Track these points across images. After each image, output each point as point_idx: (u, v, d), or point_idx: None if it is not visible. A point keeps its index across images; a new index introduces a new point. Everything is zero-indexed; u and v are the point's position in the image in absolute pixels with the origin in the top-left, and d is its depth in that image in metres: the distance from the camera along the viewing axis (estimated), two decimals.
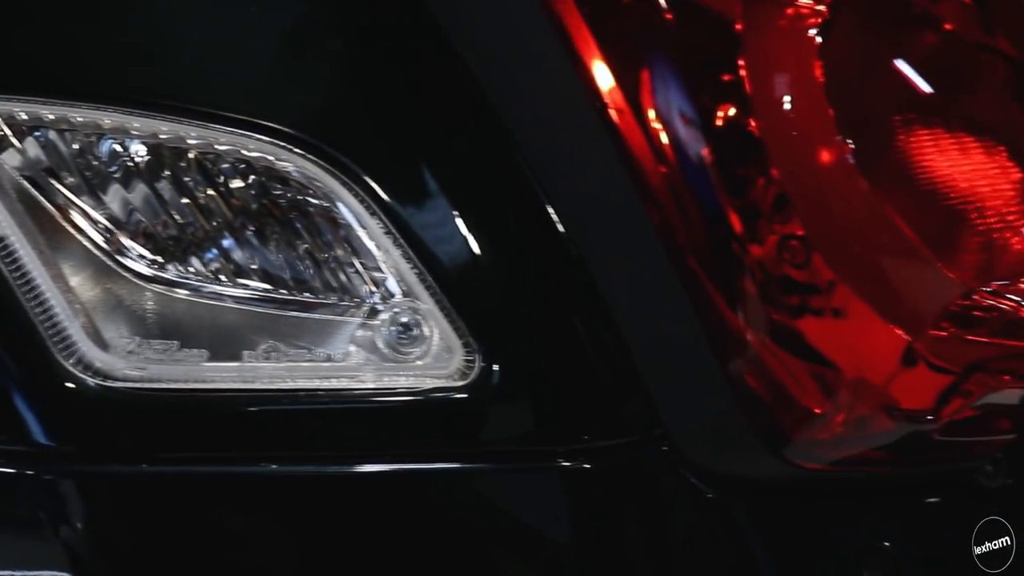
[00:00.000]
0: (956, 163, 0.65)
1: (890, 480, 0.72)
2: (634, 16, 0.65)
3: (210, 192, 0.64)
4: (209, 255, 0.65)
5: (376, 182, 0.64)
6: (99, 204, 0.63)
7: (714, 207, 0.63)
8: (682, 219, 0.64)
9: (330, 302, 0.64)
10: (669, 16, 0.64)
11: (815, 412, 0.64)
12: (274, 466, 0.63)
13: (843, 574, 0.68)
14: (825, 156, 0.62)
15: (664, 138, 0.63)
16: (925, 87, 0.65)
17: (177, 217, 0.64)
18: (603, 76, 0.64)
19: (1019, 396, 0.67)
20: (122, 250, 0.63)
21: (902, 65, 0.66)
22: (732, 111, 0.63)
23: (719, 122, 0.63)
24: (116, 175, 0.64)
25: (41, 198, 0.63)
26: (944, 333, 0.63)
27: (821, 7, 0.64)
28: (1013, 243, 0.65)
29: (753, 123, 0.63)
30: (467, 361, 0.63)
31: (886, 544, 0.69)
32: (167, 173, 0.64)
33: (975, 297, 0.63)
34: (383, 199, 0.64)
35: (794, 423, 0.64)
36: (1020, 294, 0.64)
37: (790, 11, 0.64)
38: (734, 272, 0.64)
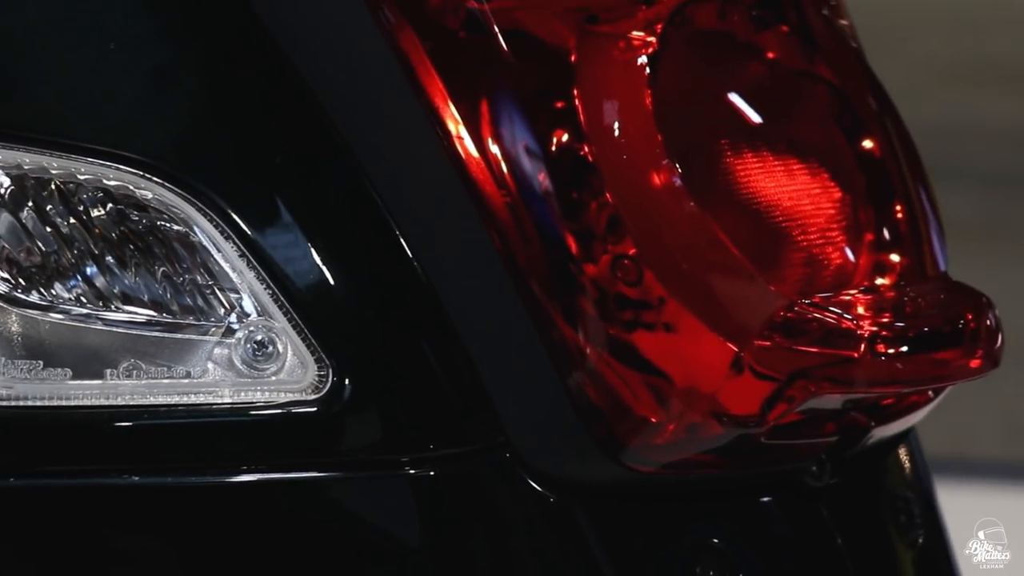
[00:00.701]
0: (781, 184, 0.68)
1: (721, 482, 0.72)
2: (474, 50, 0.67)
3: (72, 220, 0.66)
4: (72, 281, 0.67)
5: (230, 208, 0.66)
6: None
7: (551, 229, 0.66)
8: (521, 241, 0.66)
9: (188, 322, 0.66)
10: (507, 49, 0.66)
11: (649, 420, 0.66)
12: (136, 478, 0.66)
13: (677, 571, 0.70)
14: (655, 180, 0.65)
15: (503, 165, 0.66)
16: (750, 113, 0.69)
17: (40, 245, 0.66)
18: (445, 107, 0.66)
19: (840, 401, 0.68)
20: None
21: (728, 93, 0.69)
22: (566, 138, 0.66)
23: (554, 149, 0.66)
24: None
25: None
26: (768, 343, 0.65)
27: (651, 39, 0.67)
28: (833, 258, 0.69)
29: (587, 149, 0.65)
30: (320, 375, 0.65)
31: (716, 542, 0.70)
32: (30, 203, 0.66)
33: (797, 309, 0.65)
34: (237, 224, 0.66)
35: (629, 430, 0.66)
36: (840, 306, 0.66)
37: (621, 43, 0.67)
38: (571, 290, 0.66)
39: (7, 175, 0.67)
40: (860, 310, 0.67)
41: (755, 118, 0.71)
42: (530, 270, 0.66)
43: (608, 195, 0.66)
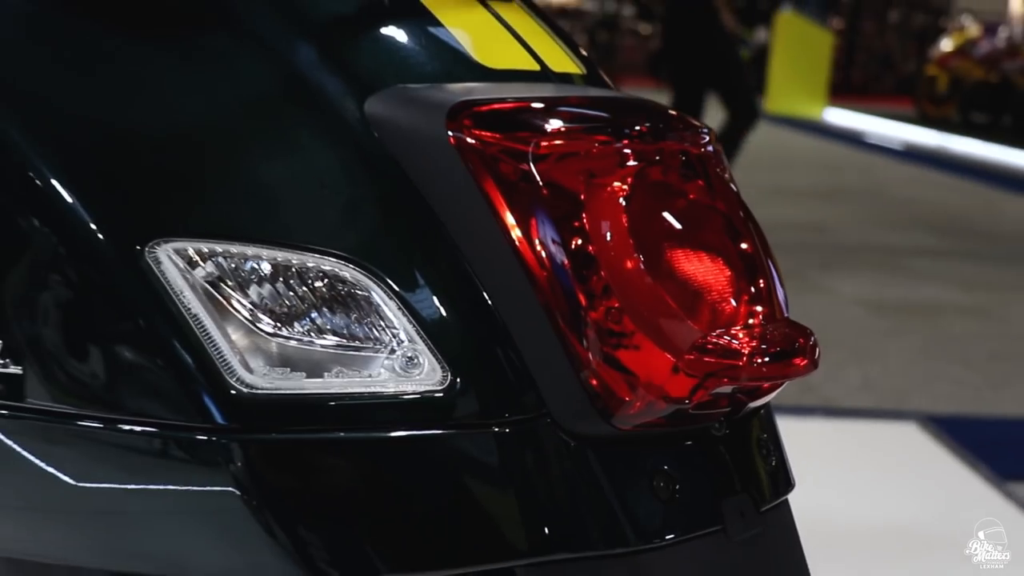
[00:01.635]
0: (697, 267, 0.87)
1: (668, 434, 0.88)
2: (527, 191, 0.84)
3: (304, 288, 0.82)
4: (304, 322, 0.82)
5: (392, 281, 0.83)
6: (245, 295, 0.81)
7: (570, 290, 0.83)
8: (552, 295, 0.83)
9: (369, 347, 0.83)
10: (545, 191, 0.83)
11: (625, 399, 0.84)
12: (342, 434, 0.82)
13: (643, 484, 0.86)
14: (628, 264, 0.83)
15: (543, 254, 0.83)
16: (679, 226, 0.88)
17: (287, 301, 0.82)
18: (509, 222, 0.84)
19: (731, 389, 0.87)
20: (257, 319, 0.81)
21: (667, 214, 0.87)
22: (579, 240, 0.83)
23: (572, 246, 0.83)
24: (253, 280, 0.82)
25: (216, 292, 0.81)
26: (692, 357, 0.84)
27: (625, 186, 0.85)
28: (726, 309, 0.87)
29: (590, 247, 0.83)
30: (443, 376, 0.83)
31: (665, 467, 0.86)
32: (280, 278, 0.82)
33: (707, 338, 0.84)
34: (395, 290, 0.83)
35: (615, 405, 0.84)
36: (730, 336, 0.85)
37: (608, 188, 0.84)
38: (581, 324, 0.83)
39: (270, 263, 0.82)
40: (741, 338, 0.85)
41: (682, 229, 0.87)
42: (558, 312, 0.83)
43: (603, 272, 0.83)
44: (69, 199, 0.82)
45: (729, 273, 0.88)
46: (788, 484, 0.97)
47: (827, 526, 2.28)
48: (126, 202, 0.85)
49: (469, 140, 0.83)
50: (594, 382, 0.84)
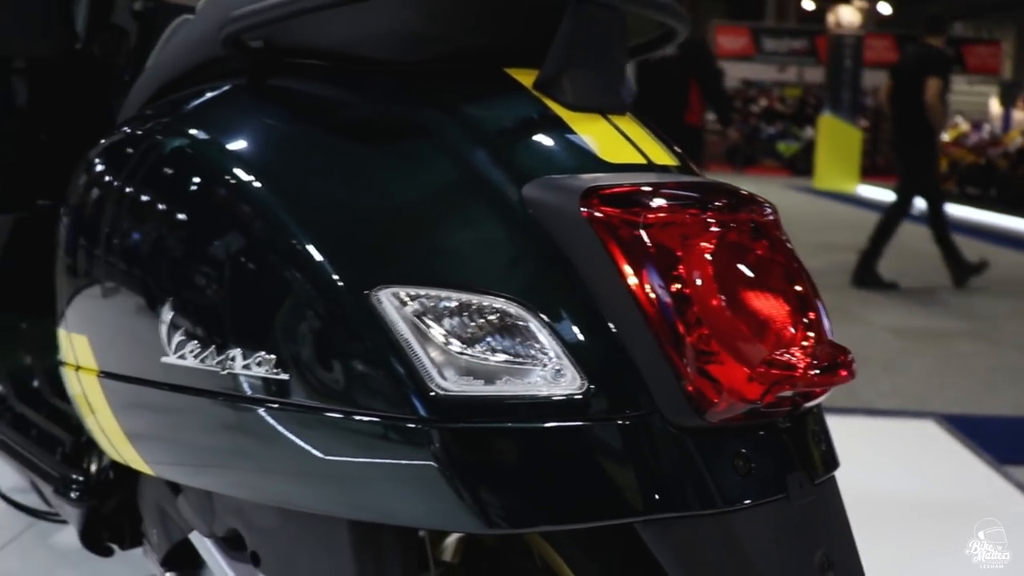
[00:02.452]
0: (764, 303, 0.85)
1: (745, 425, 0.85)
2: (640, 249, 0.83)
3: (481, 320, 0.83)
4: (482, 344, 0.83)
5: (544, 314, 0.83)
6: (440, 325, 0.82)
7: (672, 321, 0.81)
8: (660, 325, 0.82)
9: (528, 362, 0.83)
10: (652, 249, 0.83)
11: (713, 401, 0.82)
12: (509, 424, 0.82)
13: (726, 461, 0.84)
14: (713, 301, 0.82)
15: (652, 295, 0.82)
16: (750, 274, 0.86)
17: (469, 329, 0.83)
18: (628, 272, 0.83)
19: (791, 393, 0.84)
20: (449, 343, 0.82)
21: (741, 266, 0.85)
22: (678, 285, 0.82)
23: (673, 289, 0.82)
24: (446, 314, 0.83)
25: (419, 323, 0.83)
26: (762, 369, 0.82)
27: (710, 245, 0.83)
28: (786, 334, 0.84)
29: (686, 290, 0.82)
30: (582, 383, 0.82)
31: (744, 450, 0.84)
32: (465, 313, 0.83)
33: (774, 355, 0.83)
34: (547, 320, 0.83)
35: (706, 405, 0.82)
36: (790, 354, 0.83)
37: (698, 247, 0.83)
38: (680, 346, 0.82)
39: (457, 302, 0.83)
40: (798, 356, 0.83)
41: (752, 276, 0.85)
42: (663, 336, 0.82)
43: (695, 308, 0.82)
44: (319, 258, 0.86)
45: (787, 308, 0.86)
46: (834, 463, 0.95)
47: (864, 499, 2.22)
48: (358, 259, 0.87)
49: (597, 214, 0.83)
50: (690, 388, 0.82)
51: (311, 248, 0.88)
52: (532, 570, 0.97)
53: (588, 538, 0.89)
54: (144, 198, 1.07)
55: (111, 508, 1.38)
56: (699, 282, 0.82)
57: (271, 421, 0.91)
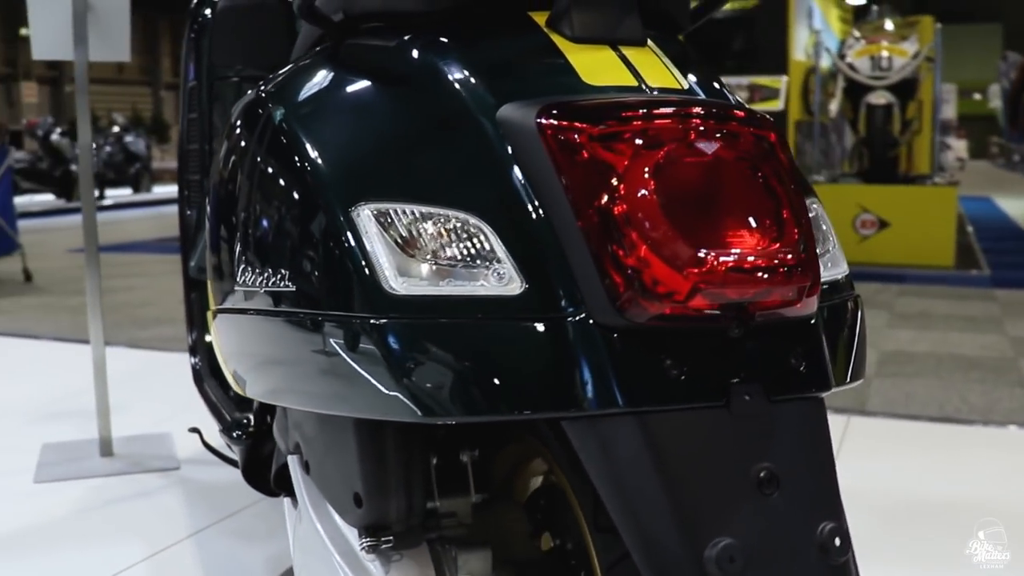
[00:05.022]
0: (710, 213, 0.83)
1: (682, 329, 0.84)
2: (581, 158, 0.83)
3: (442, 229, 0.87)
4: (440, 250, 0.87)
5: (497, 225, 0.87)
6: (403, 235, 0.87)
7: (603, 224, 0.82)
8: (591, 228, 0.82)
9: (478, 267, 0.86)
10: (590, 156, 0.83)
11: (637, 301, 0.82)
12: (456, 320, 0.85)
13: (656, 363, 0.83)
14: (646, 207, 0.81)
15: (587, 199, 0.82)
16: (701, 184, 0.84)
17: (430, 238, 0.87)
18: (568, 181, 0.84)
19: (738, 300, 0.81)
20: (408, 249, 0.87)
21: (691, 176, 0.84)
22: (615, 192, 0.82)
23: (607, 196, 0.82)
24: (411, 224, 0.88)
25: (386, 233, 0.88)
26: (685, 271, 0.80)
27: (659, 156, 0.83)
28: (727, 240, 0.82)
29: (622, 196, 0.82)
30: (522, 286, 0.85)
31: (678, 354, 0.83)
32: (428, 223, 0.87)
33: (705, 259, 0.80)
34: (498, 230, 0.87)
35: (629, 305, 0.82)
36: (722, 260, 0.80)
37: (645, 157, 0.83)
38: (607, 247, 0.82)
39: (421, 215, 0.88)
40: (726, 261, 0.81)
41: (705, 188, 0.83)
42: (593, 238, 0.83)
43: (628, 214, 0.81)
44: (321, 183, 0.95)
45: (742, 220, 0.84)
46: (822, 385, 0.90)
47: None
48: (350, 182, 0.94)
49: (548, 126, 0.85)
50: (620, 291, 0.82)
51: (316, 177, 0.96)
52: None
53: None
54: (228, 152, 1.18)
55: (269, 449, 1.46)
56: (636, 189, 0.82)
57: (284, 328, 0.99)
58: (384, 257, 0.87)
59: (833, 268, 1.03)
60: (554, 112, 0.86)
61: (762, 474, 0.83)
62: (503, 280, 0.85)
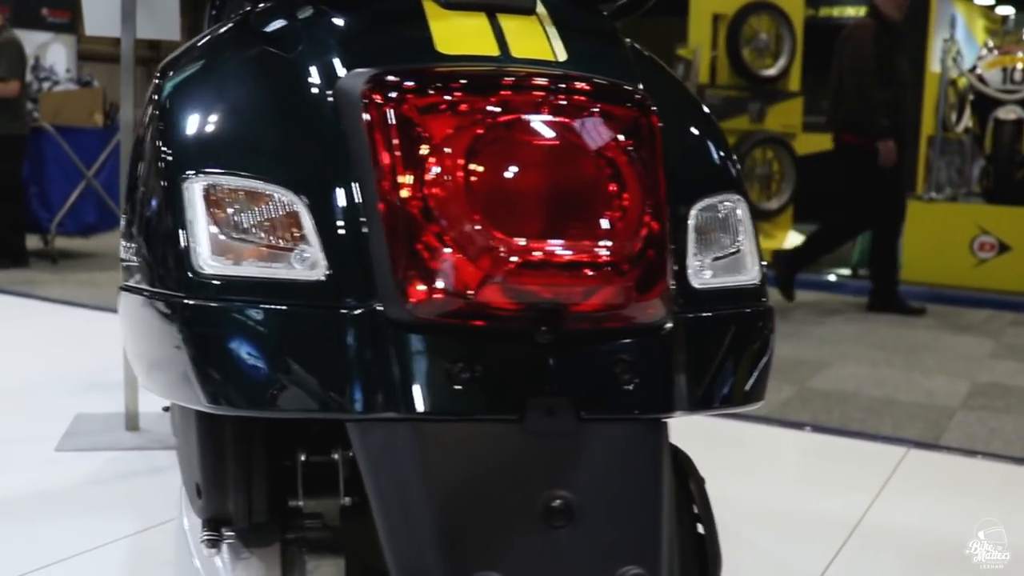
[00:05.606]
0: (517, 200, 0.78)
1: (475, 329, 0.80)
2: (394, 134, 0.80)
3: (261, 207, 0.86)
4: (249, 228, 0.87)
5: (314, 201, 0.86)
6: (222, 211, 0.86)
7: (399, 211, 0.80)
8: (387, 214, 0.80)
9: (285, 247, 0.86)
10: (405, 135, 0.80)
11: (421, 292, 0.79)
12: (259, 303, 0.84)
13: (440, 365, 0.79)
14: (445, 192, 0.78)
15: (390, 182, 0.80)
16: (515, 167, 0.79)
17: (247, 215, 0.86)
18: (382, 160, 0.81)
19: (541, 301, 0.75)
20: (221, 226, 0.87)
21: (506, 157, 0.80)
22: (420, 173, 0.80)
23: (411, 177, 0.80)
24: (230, 200, 0.86)
25: (208, 206, 0.86)
26: (473, 264, 0.77)
27: (476, 134, 0.79)
28: (531, 232, 0.77)
29: (427, 177, 0.80)
30: (327, 274, 0.84)
31: (468, 358, 0.79)
32: (246, 200, 0.86)
33: (495, 251, 0.76)
34: (313, 210, 0.85)
35: (413, 296, 0.80)
36: (512, 253, 0.76)
37: (459, 136, 0.79)
38: (399, 236, 0.79)
39: (242, 189, 0.86)
40: (514, 256, 0.77)
41: (519, 171, 0.80)
42: (389, 226, 0.80)
43: (429, 198, 0.78)
44: (168, 155, 0.94)
45: (566, 206, 0.78)
46: (641, 406, 0.81)
47: None
48: (188, 152, 0.93)
49: (370, 96, 0.81)
50: (401, 279, 0.78)
51: (166, 148, 0.95)
52: None
53: None
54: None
55: None
56: (445, 169, 0.78)
57: (133, 306, 0.98)
58: (203, 233, 0.85)
59: (730, 274, 0.93)
60: (381, 82, 0.81)
61: (554, 503, 0.75)
62: (307, 264, 0.83)
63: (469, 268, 0.75)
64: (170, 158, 0.92)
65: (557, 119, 0.79)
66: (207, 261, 0.84)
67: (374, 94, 0.80)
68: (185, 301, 0.84)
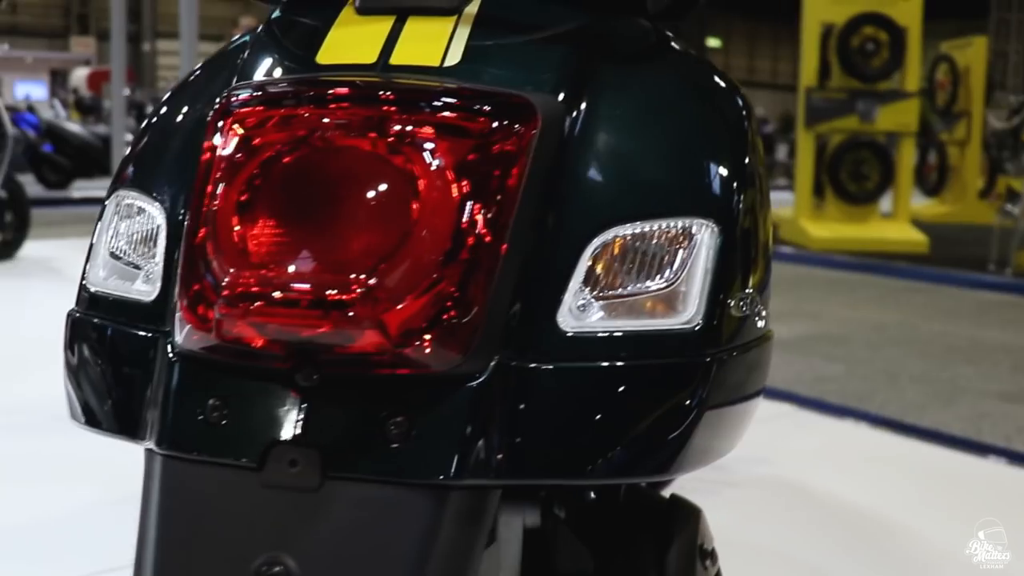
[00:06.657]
0: (278, 230, 0.70)
1: (232, 365, 0.73)
2: (214, 152, 0.74)
3: (139, 221, 0.85)
4: (126, 245, 0.86)
5: (170, 219, 0.83)
6: (116, 227, 0.86)
7: (190, 235, 0.73)
8: (184, 238, 0.75)
9: (137, 264, 0.84)
10: (213, 155, 0.74)
11: (185, 322, 0.73)
12: (106, 321, 0.84)
13: (195, 401, 0.73)
14: (223, 219, 0.71)
15: (195, 207, 0.73)
16: (298, 194, 0.71)
17: (127, 232, 0.86)
18: (202, 175, 0.75)
19: (298, 339, 0.68)
20: (109, 243, 0.87)
21: (297, 183, 0.71)
22: (212, 195, 0.72)
23: (208, 202, 0.73)
24: (125, 217, 0.86)
25: (110, 222, 0.86)
26: (221, 295, 0.69)
27: (271, 153, 0.71)
28: (286, 265, 0.69)
29: (215, 205, 0.72)
30: (156, 294, 0.81)
31: (222, 395, 0.73)
32: (132, 215, 0.86)
33: (239, 284, 0.68)
34: (168, 227, 0.83)
35: (179, 328, 0.74)
36: (253, 286, 0.68)
37: (265, 155, 0.71)
38: (186, 263, 0.74)
39: (134, 203, 0.85)
40: (285, 290, 0.68)
41: (303, 198, 0.71)
42: (183, 249, 0.74)
43: (214, 224, 0.72)
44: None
45: (324, 234, 0.69)
46: (407, 470, 0.69)
47: None
48: (124, 166, 0.91)
49: (215, 113, 0.75)
50: (174, 308, 0.75)
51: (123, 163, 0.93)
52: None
53: None
54: None
55: None
56: (227, 190, 0.72)
57: None
58: (102, 249, 0.86)
59: (645, 317, 0.75)
60: (228, 98, 0.75)
61: (274, 568, 0.67)
62: (148, 282, 0.81)
63: (220, 301, 0.68)
64: (118, 175, 0.92)
65: (352, 137, 0.70)
66: (94, 277, 0.87)
67: (218, 109, 0.75)
68: (78, 315, 0.86)
